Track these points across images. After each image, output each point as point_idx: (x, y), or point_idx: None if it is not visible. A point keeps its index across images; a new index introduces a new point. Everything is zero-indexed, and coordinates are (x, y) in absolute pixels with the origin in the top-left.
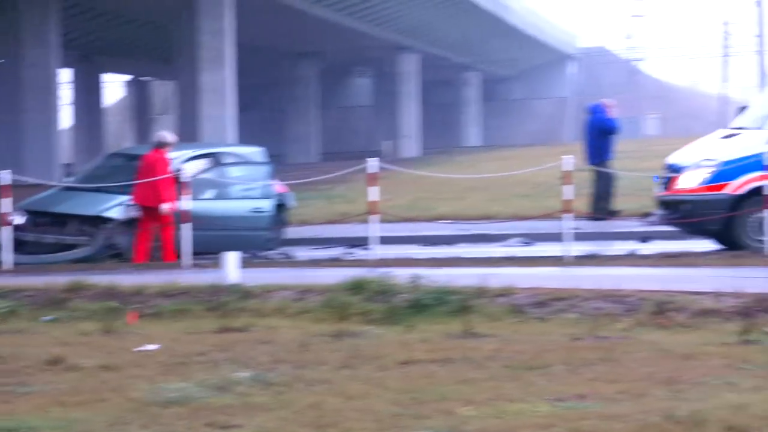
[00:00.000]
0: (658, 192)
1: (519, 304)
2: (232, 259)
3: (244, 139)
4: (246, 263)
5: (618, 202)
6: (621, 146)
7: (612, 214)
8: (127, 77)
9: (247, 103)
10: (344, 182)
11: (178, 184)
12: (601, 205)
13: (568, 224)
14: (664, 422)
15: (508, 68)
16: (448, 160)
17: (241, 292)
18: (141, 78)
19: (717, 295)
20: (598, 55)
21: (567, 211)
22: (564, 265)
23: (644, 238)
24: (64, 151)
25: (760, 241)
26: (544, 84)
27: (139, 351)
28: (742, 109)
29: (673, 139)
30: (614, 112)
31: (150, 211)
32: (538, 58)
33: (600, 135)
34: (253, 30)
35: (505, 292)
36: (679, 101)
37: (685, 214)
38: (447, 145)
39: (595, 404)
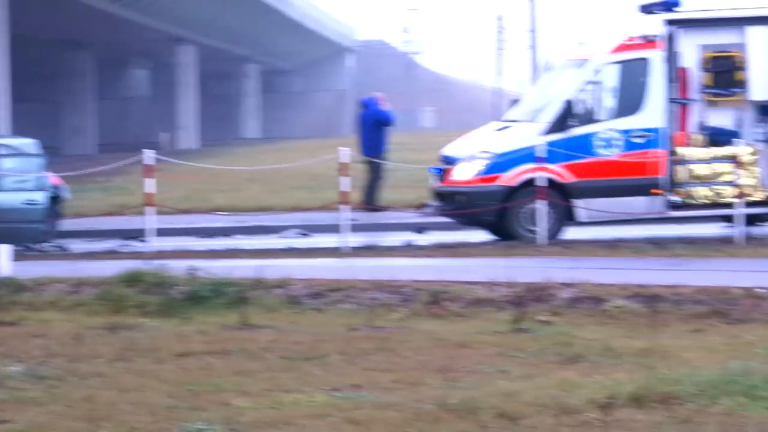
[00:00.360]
0: (434, 183)
1: (296, 295)
2: (4, 251)
3: (18, 130)
4: (19, 256)
5: (386, 196)
6: (398, 138)
7: (378, 208)
8: None
9: (21, 95)
10: (122, 174)
11: None
12: (376, 197)
13: (345, 216)
14: (437, 410)
15: (287, 60)
16: (227, 152)
17: (14, 286)
18: None
19: (491, 284)
20: (376, 48)
21: (344, 202)
22: (341, 256)
23: (420, 229)
24: None
25: (533, 232)
26: (323, 76)
27: None
28: (515, 102)
29: (449, 131)
30: (387, 105)
31: None
32: (318, 50)
33: (374, 127)
34: (27, 19)
35: (282, 284)
36: (455, 94)
37: (460, 206)
38: (226, 137)
39: (371, 394)
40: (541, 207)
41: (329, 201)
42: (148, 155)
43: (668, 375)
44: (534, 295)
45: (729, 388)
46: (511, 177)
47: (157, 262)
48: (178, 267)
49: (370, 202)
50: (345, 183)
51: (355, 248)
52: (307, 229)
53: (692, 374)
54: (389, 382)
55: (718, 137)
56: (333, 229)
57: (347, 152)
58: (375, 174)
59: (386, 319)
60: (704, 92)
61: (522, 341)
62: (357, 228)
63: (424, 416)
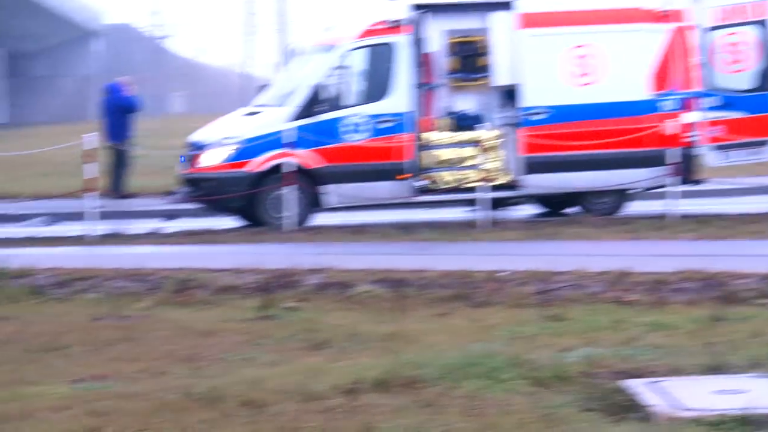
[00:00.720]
0: (182, 170)
1: (39, 284)
2: None
3: None
4: None
5: (134, 183)
6: (147, 124)
7: (125, 195)
8: None
9: None
10: None
11: None
12: (122, 184)
13: (91, 203)
14: (182, 399)
15: (31, 44)
16: None
17: None
18: None
19: (237, 271)
20: (124, 32)
21: (90, 189)
22: (87, 244)
23: (169, 216)
24: None
25: (281, 218)
26: (69, 61)
27: None
28: (264, 87)
29: (199, 116)
30: (132, 90)
31: None
32: (63, 33)
33: (119, 113)
34: None
35: (25, 273)
36: (205, 79)
37: (208, 192)
38: None
39: (115, 384)
40: (289, 193)
41: (75, 188)
42: None
43: (413, 359)
44: (281, 282)
45: (472, 371)
46: (259, 163)
47: None
48: None
49: (116, 189)
50: (90, 170)
51: (101, 236)
52: (53, 217)
53: (436, 358)
54: (134, 372)
55: (463, 122)
56: (79, 216)
57: (92, 138)
58: (120, 160)
59: (132, 308)
60: (450, 77)
61: (269, 328)
62: (104, 215)
63: (169, 405)
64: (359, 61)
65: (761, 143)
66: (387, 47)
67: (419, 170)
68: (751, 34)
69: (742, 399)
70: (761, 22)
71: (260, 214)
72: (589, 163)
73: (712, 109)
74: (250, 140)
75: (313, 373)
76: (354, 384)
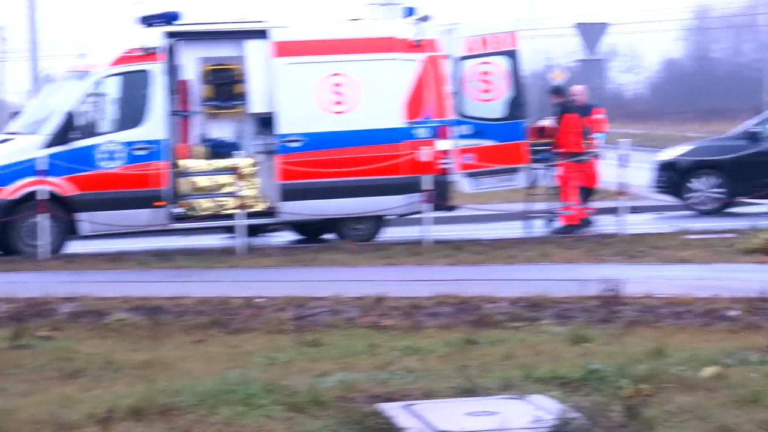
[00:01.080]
0: None
1: None
2: None
3: None
4: None
5: None
6: None
7: None
8: None
9: None
10: None
11: None
12: None
13: None
14: None
15: None
16: None
17: None
18: None
19: None
20: None
21: None
22: None
23: None
24: None
25: (34, 246)
26: None
27: None
28: (17, 114)
29: None
30: None
31: None
32: None
33: None
34: None
35: None
36: None
37: None
38: None
39: None
40: (43, 220)
41: None
42: None
43: (168, 386)
44: (34, 311)
45: (228, 398)
46: (12, 190)
47: None
48: None
49: None
50: None
51: None
52: None
53: (192, 385)
54: None
55: (219, 149)
56: None
57: None
58: None
59: None
60: (205, 104)
61: (21, 357)
62: None
63: None
64: (114, 88)
65: (512, 170)
66: (141, 74)
67: (176, 197)
68: (500, 64)
69: (494, 420)
70: (510, 53)
71: (13, 243)
72: (345, 190)
73: (464, 137)
74: (1, 168)
75: (66, 402)
76: (108, 413)
